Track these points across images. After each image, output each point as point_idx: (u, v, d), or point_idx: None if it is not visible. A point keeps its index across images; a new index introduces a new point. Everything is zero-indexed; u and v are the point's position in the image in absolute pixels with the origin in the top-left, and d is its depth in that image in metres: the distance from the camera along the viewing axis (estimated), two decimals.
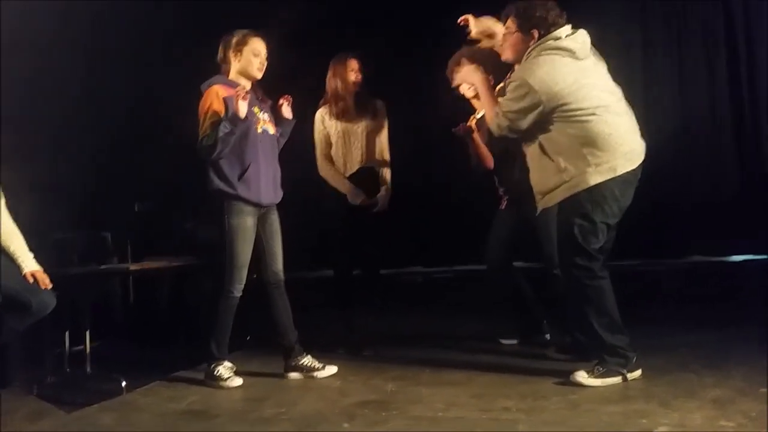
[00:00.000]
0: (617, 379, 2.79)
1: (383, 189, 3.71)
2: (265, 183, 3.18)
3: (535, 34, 2.91)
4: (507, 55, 3.03)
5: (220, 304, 3.15)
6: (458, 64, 3.44)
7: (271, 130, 3.27)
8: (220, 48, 3.24)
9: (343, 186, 3.68)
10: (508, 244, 3.59)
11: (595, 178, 2.79)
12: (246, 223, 3.13)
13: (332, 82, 3.70)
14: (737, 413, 2.33)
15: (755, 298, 4.53)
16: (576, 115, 2.81)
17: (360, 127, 3.70)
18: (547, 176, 2.91)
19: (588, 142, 2.80)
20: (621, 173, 2.81)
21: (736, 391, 2.56)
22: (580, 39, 2.92)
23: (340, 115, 3.68)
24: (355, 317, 3.74)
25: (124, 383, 3.08)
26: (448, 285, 6.23)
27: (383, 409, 2.63)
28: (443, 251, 6.34)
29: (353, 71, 3.66)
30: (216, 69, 3.28)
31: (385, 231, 3.83)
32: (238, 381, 3.11)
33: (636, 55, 6.23)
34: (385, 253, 3.92)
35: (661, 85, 6.21)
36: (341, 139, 3.69)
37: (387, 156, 3.78)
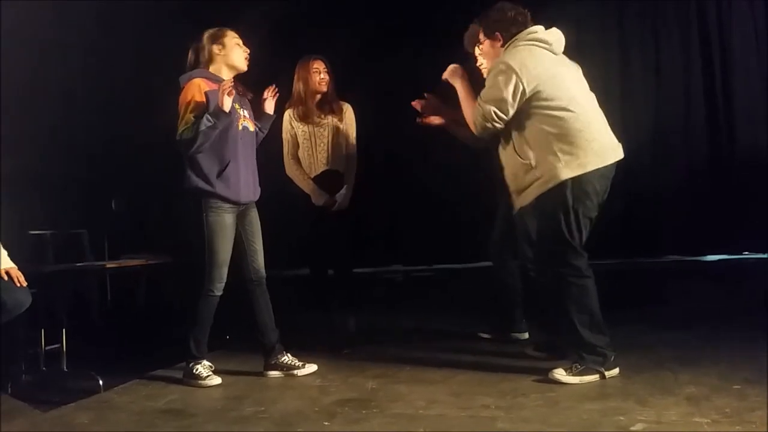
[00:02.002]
0: (595, 377, 2.82)
1: (344, 188, 3.72)
2: (245, 181, 3.15)
3: (499, 35, 3.00)
4: (487, 65, 3.10)
5: (200, 302, 3.12)
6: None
7: (251, 127, 3.25)
8: (199, 47, 3.16)
9: (306, 186, 3.71)
10: (508, 239, 3.58)
11: (565, 173, 2.82)
12: (225, 220, 3.10)
13: (296, 85, 3.74)
14: (712, 410, 2.37)
15: (730, 296, 4.61)
16: (549, 108, 2.84)
17: (326, 129, 3.73)
18: (521, 174, 2.95)
19: (559, 138, 2.83)
20: (591, 170, 2.83)
21: (711, 389, 2.60)
22: (556, 34, 2.98)
23: (303, 117, 3.71)
24: (333, 316, 3.74)
25: (100, 382, 3.05)
26: (427, 283, 6.26)
27: (363, 407, 2.63)
28: (422, 250, 6.37)
29: (316, 73, 3.69)
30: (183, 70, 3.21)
31: (354, 231, 3.85)
32: (216, 380, 3.09)
33: (613, 59, 6.31)
34: (355, 253, 3.92)
35: (637, 90, 6.31)
36: (307, 141, 3.72)
37: (354, 158, 3.80)
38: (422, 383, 2.92)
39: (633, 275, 5.76)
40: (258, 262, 3.24)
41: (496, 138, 3.11)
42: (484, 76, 3.30)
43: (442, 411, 2.54)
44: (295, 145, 3.76)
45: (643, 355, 3.14)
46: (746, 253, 5.99)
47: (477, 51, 3.40)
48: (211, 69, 3.16)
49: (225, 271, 3.12)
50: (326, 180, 3.72)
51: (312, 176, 3.73)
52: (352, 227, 3.82)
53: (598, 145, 2.87)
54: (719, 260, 6.02)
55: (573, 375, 2.82)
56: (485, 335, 3.74)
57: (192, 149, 3.00)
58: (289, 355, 3.23)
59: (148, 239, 4.82)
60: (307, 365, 3.21)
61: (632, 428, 2.24)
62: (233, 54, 3.16)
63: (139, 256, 4.06)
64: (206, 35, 3.18)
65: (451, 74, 3.18)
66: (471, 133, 3.25)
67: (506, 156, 3.02)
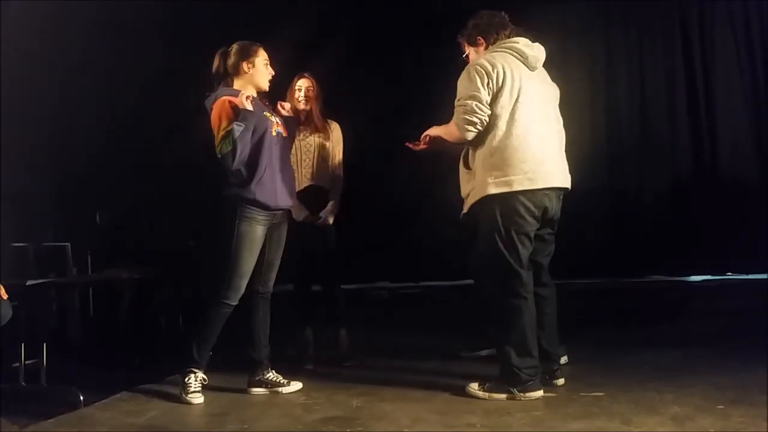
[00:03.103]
0: (502, 396, 2.83)
1: (329, 205, 3.72)
2: (281, 186, 3.15)
3: (481, 41, 3.03)
4: None
5: (212, 310, 3.07)
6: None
7: (284, 132, 3.27)
8: (228, 57, 3.17)
9: None
10: None
11: (491, 189, 2.85)
12: (256, 232, 3.09)
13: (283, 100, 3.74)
14: (696, 429, 2.38)
15: (713, 317, 4.64)
16: (497, 118, 2.86)
17: (312, 145, 3.74)
18: (463, 182, 3.07)
19: (494, 153, 2.87)
20: (517, 189, 2.83)
21: (695, 408, 2.61)
22: (536, 49, 3.00)
23: None
24: (326, 331, 3.73)
25: (81, 397, 3.00)
26: (414, 300, 6.24)
27: (348, 425, 2.60)
28: (409, 267, 6.36)
29: (298, 90, 3.71)
30: (204, 78, 3.22)
31: (341, 247, 3.83)
32: (198, 399, 3.02)
33: (597, 77, 6.39)
34: (342, 269, 3.91)
35: (622, 109, 6.38)
36: (293, 156, 3.69)
37: (340, 176, 3.81)
38: (407, 401, 2.90)
39: (617, 295, 5.79)
40: (270, 276, 3.24)
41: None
42: None
43: (426, 429, 2.53)
44: None
45: (627, 375, 3.14)
46: (729, 273, 6.04)
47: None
48: (236, 84, 3.17)
49: (245, 282, 3.09)
50: (309, 196, 3.70)
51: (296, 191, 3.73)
52: (339, 243, 3.80)
53: (529, 168, 2.85)
54: (703, 281, 6.07)
55: (483, 390, 2.86)
56: (466, 354, 3.73)
57: (236, 160, 3.00)
58: (274, 371, 3.20)
59: (132, 253, 4.78)
60: (292, 383, 3.17)
61: None
62: (259, 75, 3.19)
63: (123, 269, 4.02)
64: (237, 48, 3.19)
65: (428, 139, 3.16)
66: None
67: (460, 163, 3.11)
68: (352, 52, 6.03)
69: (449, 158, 3.68)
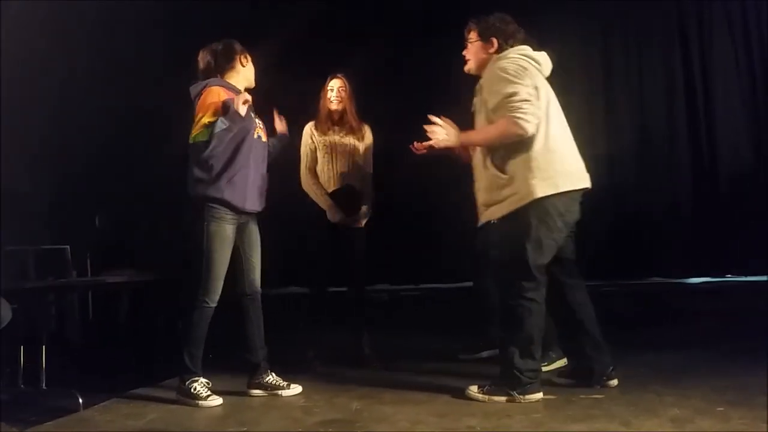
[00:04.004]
0: (502, 398, 2.82)
1: (364, 207, 3.74)
2: (252, 189, 3.12)
3: (495, 41, 3.01)
4: (470, 65, 3.10)
5: (195, 315, 3.05)
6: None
7: (264, 137, 3.26)
8: (221, 53, 3.16)
9: (324, 202, 3.68)
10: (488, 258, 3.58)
11: (539, 191, 2.82)
12: (226, 231, 3.07)
13: (318, 100, 3.77)
14: (695, 431, 2.38)
15: (714, 319, 4.63)
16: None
17: (347, 146, 3.73)
18: (494, 188, 2.93)
19: (533, 156, 2.84)
20: (562, 191, 2.85)
21: (695, 410, 2.60)
22: (545, 57, 3.02)
23: (323, 133, 3.73)
24: (353, 333, 3.75)
25: (80, 400, 2.99)
26: (414, 303, 6.24)
27: (347, 428, 2.60)
28: (409, 269, 6.36)
29: (330, 90, 3.73)
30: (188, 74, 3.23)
31: (369, 248, 3.82)
32: (218, 400, 3.00)
33: (597, 82, 6.40)
34: (369, 271, 3.92)
35: (621, 112, 6.39)
36: (328, 155, 3.72)
37: (370, 178, 3.83)
38: (407, 404, 2.90)
39: (618, 297, 5.78)
40: (254, 276, 3.21)
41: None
42: (465, 69, 3.22)
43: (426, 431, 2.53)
44: (314, 159, 3.74)
45: (627, 377, 3.13)
46: (729, 276, 6.04)
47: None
48: (231, 79, 3.16)
49: (221, 282, 3.08)
50: (341, 197, 3.70)
51: (329, 191, 3.71)
52: (368, 245, 3.79)
53: (571, 168, 2.90)
54: (703, 283, 6.07)
55: (483, 393, 2.85)
56: (465, 356, 3.73)
57: (205, 153, 2.97)
58: (273, 374, 3.19)
59: (132, 256, 4.78)
60: (292, 385, 3.17)
61: None
62: (251, 71, 3.23)
63: (123, 272, 4.02)
64: (232, 43, 3.20)
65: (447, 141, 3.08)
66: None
67: (479, 168, 3.02)
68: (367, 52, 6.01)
69: (449, 161, 3.70)
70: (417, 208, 6.06)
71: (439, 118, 2.99)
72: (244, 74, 3.20)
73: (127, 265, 4.25)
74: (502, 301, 2.94)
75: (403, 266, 6.29)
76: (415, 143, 3.40)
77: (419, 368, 3.56)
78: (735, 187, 6.07)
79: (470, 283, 3.81)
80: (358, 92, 3.79)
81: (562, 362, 3.35)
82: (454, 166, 3.68)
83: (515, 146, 2.86)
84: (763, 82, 6.10)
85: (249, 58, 3.23)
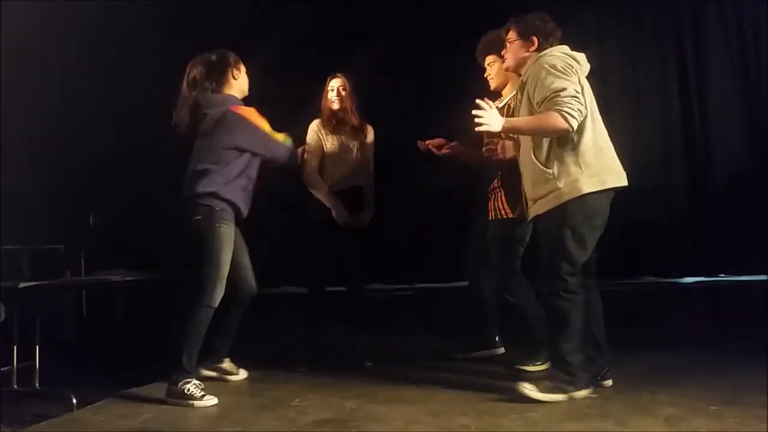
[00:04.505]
0: (561, 396, 2.81)
1: (368, 208, 3.76)
2: (247, 196, 3.22)
3: (535, 40, 3.01)
4: (508, 62, 3.13)
5: (197, 315, 3.06)
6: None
7: None
8: (215, 65, 3.22)
9: (329, 200, 3.65)
10: (484, 257, 3.59)
11: (587, 187, 2.82)
12: (232, 234, 3.14)
13: (319, 100, 3.77)
14: (689, 430, 2.39)
15: (707, 318, 4.65)
16: (585, 115, 2.85)
17: (352, 145, 3.72)
18: (540, 183, 2.92)
19: (583, 152, 2.85)
20: (610, 187, 2.87)
21: (688, 409, 2.62)
22: (584, 57, 3.02)
23: (331, 131, 3.71)
24: (350, 332, 3.75)
25: (74, 400, 2.99)
26: (408, 303, 6.24)
27: (342, 427, 2.60)
28: (404, 269, 6.36)
29: (331, 91, 3.71)
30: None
31: (368, 248, 3.81)
32: (213, 400, 3.00)
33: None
34: (368, 271, 3.93)
35: (614, 113, 6.39)
36: (333, 154, 3.69)
37: (372, 177, 3.83)
38: (402, 403, 2.90)
39: (612, 297, 5.77)
40: (252, 277, 3.34)
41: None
42: (492, 88, 3.44)
43: (420, 431, 2.52)
44: (319, 156, 3.71)
45: (621, 376, 3.14)
46: (722, 275, 6.06)
47: (489, 60, 3.50)
48: (228, 91, 3.25)
49: (224, 284, 3.11)
50: (346, 197, 3.69)
51: (334, 190, 3.68)
52: (367, 244, 3.79)
53: (616, 165, 2.94)
54: (696, 282, 6.08)
55: (540, 391, 2.82)
56: (460, 356, 3.73)
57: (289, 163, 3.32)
58: (229, 360, 3.40)
59: (127, 255, 4.76)
60: (240, 371, 3.38)
61: None
62: (244, 82, 3.30)
63: (117, 272, 4.00)
64: (226, 55, 3.25)
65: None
66: (480, 155, 3.34)
67: (526, 163, 3.01)
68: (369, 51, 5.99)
69: (445, 159, 3.71)
70: (413, 207, 6.05)
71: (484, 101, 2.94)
72: (238, 86, 3.26)
73: (121, 264, 4.23)
74: (546, 299, 2.93)
75: (398, 266, 6.28)
76: (421, 141, 3.47)
77: (414, 367, 3.56)
78: (729, 187, 6.08)
79: (466, 283, 3.81)
80: (357, 91, 3.78)
81: None
82: (453, 166, 3.71)
83: (562, 142, 2.86)
84: (758, 80, 6.11)
85: (242, 69, 3.27)
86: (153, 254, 4.61)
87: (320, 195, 3.68)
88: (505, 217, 3.41)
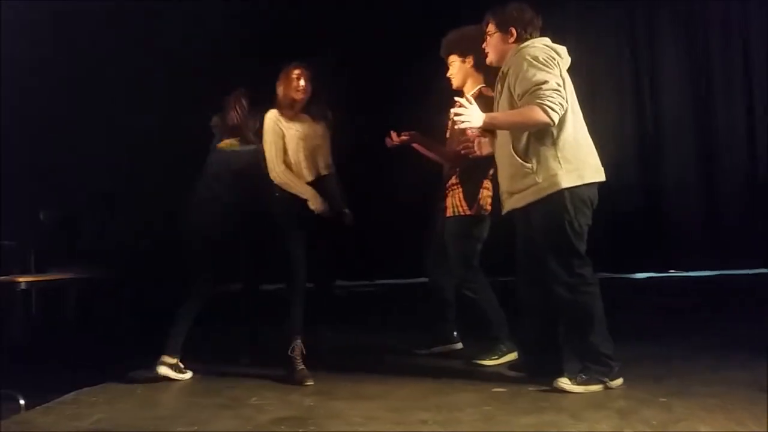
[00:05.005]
0: (599, 387, 2.84)
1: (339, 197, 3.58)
2: None
3: (514, 31, 2.98)
4: (490, 57, 3.09)
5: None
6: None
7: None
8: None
9: (305, 191, 3.42)
10: (444, 253, 3.58)
11: (566, 182, 2.82)
12: None
13: (278, 89, 3.55)
14: (639, 422, 2.45)
15: (655, 313, 4.78)
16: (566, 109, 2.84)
17: (321, 133, 3.57)
18: (518, 177, 2.90)
19: (562, 146, 2.84)
20: (588, 182, 2.87)
21: (639, 402, 2.69)
22: (565, 50, 3.00)
23: (291, 120, 3.51)
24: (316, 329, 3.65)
25: (22, 401, 2.90)
26: (369, 299, 6.25)
27: (300, 425, 2.59)
28: (364, 266, 6.37)
29: (296, 79, 3.50)
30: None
31: (335, 243, 3.73)
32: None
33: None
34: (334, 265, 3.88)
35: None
36: (297, 145, 3.48)
37: (333, 165, 3.64)
38: (361, 399, 2.90)
39: None
40: None
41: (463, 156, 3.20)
42: (453, 86, 3.45)
43: (379, 427, 2.53)
44: (284, 149, 3.48)
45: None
46: (672, 271, 6.24)
47: (451, 59, 3.49)
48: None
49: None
50: (321, 187, 3.48)
51: (306, 182, 3.47)
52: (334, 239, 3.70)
53: (594, 161, 2.93)
54: (647, 278, 6.25)
55: (577, 384, 2.83)
56: (419, 351, 3.76)
57: None
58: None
59: (79, 253, 4.64)
60: (187, 371, 3.36)
61: None
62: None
63: (69, 270, 3.90)
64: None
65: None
66: (444, 152, 3.37)
67: (504, 156, 2.99)
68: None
69: (407, 155, 3.73)
70: (372, 203, 6.05)
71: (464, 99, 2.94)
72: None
73: (74, 262, 4.12)
74: (559, 295, 2.88)
75: (359, 262, 6.28)
76: (391, 135, 3.45)
77: (374, 363, 3.57)
78: (679, 184, 6.26)
79: (425, 279, 3.83)
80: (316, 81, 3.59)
81: (513, 355, 3.40)
82: (413, 163, 3.72)
83: (541, 136, 2.84)
84: (708, 82, 6.27)
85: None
86: (106, 252, 4.51)
87: (293, 187, 3.44)
88: (463, 214, 3.44)
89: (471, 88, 3.49)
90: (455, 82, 3.55)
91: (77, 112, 5.23)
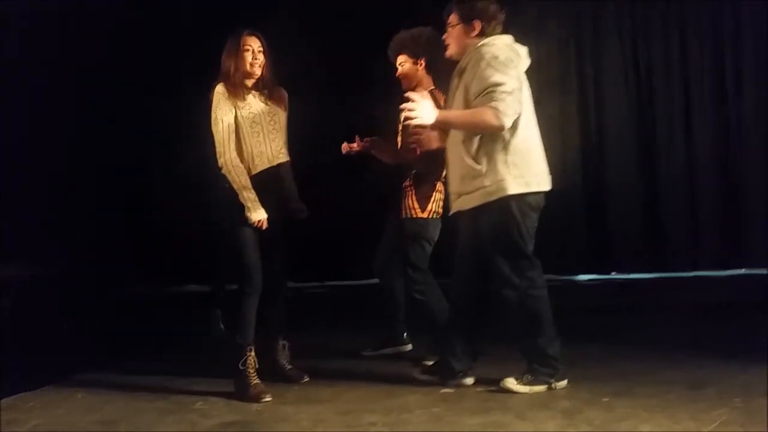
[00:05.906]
0: (543, 388, 2.89)
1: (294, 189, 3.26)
2: None
3: (477, 25, 2.90)
4: (451, 50, 3.01)
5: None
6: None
7: None
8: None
9: (249, 198, 3.01)
10: (394, 255, 3.60)
11: (512, 189, 2.82)
12: None
13: (225, 62, 3.08)
14: (583, 422, 2.51)
15: (598, 314, 4.90)
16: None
17: (279, 115, 3.16)
18: (467, 178, 2.88)
19: (511, 151, 2.83)
20: (533, 190, 2.88)
21: (583, 402, 2.75)
22: (526, 51, 2.98)
23: (241, 98, 3.06)
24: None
25: None
26: (318, 300, 6.21)
27: (247, 430, 2.55)
28: (314, 267, 6.32)
29: (247, 50, 3.06)
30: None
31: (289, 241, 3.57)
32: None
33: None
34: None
35: None
36: (251, 128, 3.05)
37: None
38: (309, 403, 2.89)
39: None
40: None
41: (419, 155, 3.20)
42: (403, 87, 3.42)
43: (328, 430, 2.52)
44: (236, 133, 3.04)
45: (521, 372, 3.25)
46: (614, 273, 6.41)
47: (400, 60, 3.48)
48: None
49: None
50: (268, 179, 3.10)
51: (258, 171, 3.07)
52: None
53: (541, 170, 2.93)
54: (590, 280, 6.40)
55: (523, 384, 2.88)
56: (368, 353, 3.76)
57: None
58: None
59: (18, 249, 4.46)
60: None
61: None
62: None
63: (7, 265, 3.75)
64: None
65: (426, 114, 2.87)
66: (395, 153, 3.37)
67: (455, 156, 2.96)
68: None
69: (364, 160, 3.71)
70: (323, 203, 6.00)
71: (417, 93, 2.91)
72: None
73: (13, 256, 3.97)
74: (510, 298, 2.89)
75: (308, 263, 6.23)
76: (346, 144, 3.42)
77: (323, 366, 3.55)
78: (622, 187, 6.41)
79: (376, 281, 3.83)
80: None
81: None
82: (366, 164, 3.69)
83: (493, 138, 2.82)
84: (648, 85, 6.43)
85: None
86: (47, 248, 4.35)
87: (242, 183, 3.02)
88: (415, 216, 3.46)
89: (422, 91, 3.49)
90: (405, 83, 3.53)
91: (22, 103, 5.03)
